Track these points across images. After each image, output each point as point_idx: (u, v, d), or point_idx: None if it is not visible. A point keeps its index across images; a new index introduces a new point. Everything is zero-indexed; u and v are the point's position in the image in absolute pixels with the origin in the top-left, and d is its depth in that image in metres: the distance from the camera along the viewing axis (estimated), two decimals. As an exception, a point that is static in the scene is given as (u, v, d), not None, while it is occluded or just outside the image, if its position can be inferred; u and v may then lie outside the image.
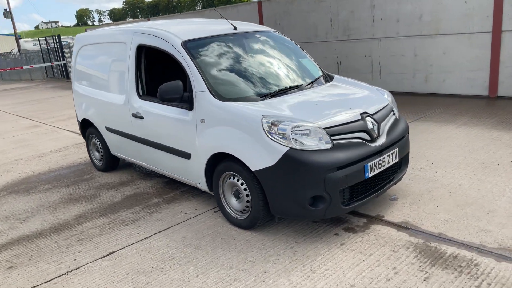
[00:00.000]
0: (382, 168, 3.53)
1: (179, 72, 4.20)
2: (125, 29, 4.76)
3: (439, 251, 3.10)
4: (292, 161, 3.15)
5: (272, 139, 3.22)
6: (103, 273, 3.21)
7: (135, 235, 3.78)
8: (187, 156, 3.96)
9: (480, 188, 4.08)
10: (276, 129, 3.23)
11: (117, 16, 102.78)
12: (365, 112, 3.56)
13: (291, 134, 3.20)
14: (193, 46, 3.99)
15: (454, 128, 6.18)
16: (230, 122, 3.51)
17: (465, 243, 3.18)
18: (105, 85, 5.05)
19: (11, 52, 35.61)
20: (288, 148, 3.17)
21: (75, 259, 3.44)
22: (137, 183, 5.08)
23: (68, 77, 23.00)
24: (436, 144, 5.51)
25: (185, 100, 3.80)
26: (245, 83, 3.90)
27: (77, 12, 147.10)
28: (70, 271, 3.27)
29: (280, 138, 3.21)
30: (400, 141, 3.76)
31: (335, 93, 3.99)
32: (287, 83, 4.07)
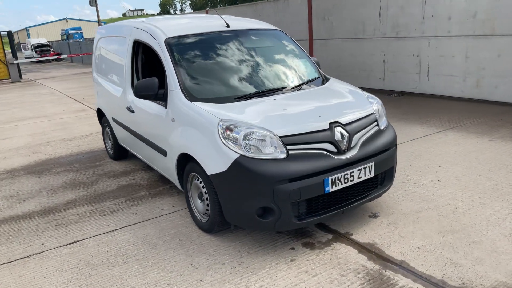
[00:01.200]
0: (350, 183, 3.26)
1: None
2: (127, 23, 4.88)
3: (391, 281, 2.81)
4: (241, 169, 3.02)
5: (225, 144, 3.12)
6: (58, 260, 3.34)
7: (106, 226, 3.89)
8: (164, 153, 3.98)
9: (476, 214, 3.62)
10: (230, 134, 3.12)
11: (198, 5, 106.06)
12: (336, 122, 3.30)
13: (243, 140, 3.06)
14: (176, 43, 3.97)
15: (487, 141, 5.55)
16: (192, 123, 3.45)
17: (424, 276, 2.84)
18: (110, 77, 5.23)
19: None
20: (239, 155, 3.05)
21: (43, 244, 3.63)
22: (136, 174, 5.22)
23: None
24: (455, 159, 4.98)
25: (160, 98, 3.80)
26: (221, 83, 3.80)
27: (161, 1, 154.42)
28: (32, 255, 3.45)
29: (233, 144, 3.09)
30: (379, 155, 3.45)
31: (315, 99, 3.74)
32: (268, 85, 3.90)
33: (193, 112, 3.47)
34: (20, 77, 19.80)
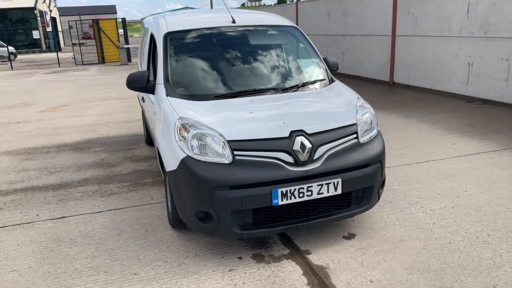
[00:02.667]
0: (306, 198, 2.99)
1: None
2: (154, 16, 5.06)
3: (313, 313, 2.53)
4: (186, 170, 2.97)
5: (177, 143, 3.08)
6: (38, 232, 3.66)
7: (96, 207, 4.14)
8: (155, 142, 4.09)
9: (469, 255, 3.05)
10: (183, 133, 3.07)
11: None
12: (300, 131, 3.04)
13: (191, 141, 3.00)
14: (173, 38, 4.00)
15: (549, 168, 4.61)
16: (163, 118, 3.47)
17: (355, 315, 2.50)
18: (141, 66, 5.51)
19: None
20: (186, 155, 2.99)
21: (37, 215, 4.02)
22: (155, 161, 5.45)
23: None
24: (491, 185, 4.24)
25: (149, 90, 3.89)
26: (205, 80, 3.75)
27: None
28: (23, 224, 3.84)
29: (183, 143, 3.04)
30: (351, 171, 3.09)
31: (294, 103, 3.48)
32: (256, 85, 3.73)
33: (164, 108, 3.48)
34: (129, 60, 21.87)
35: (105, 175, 5.02)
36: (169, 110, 3.37)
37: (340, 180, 3.05)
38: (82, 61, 22.40)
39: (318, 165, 3.01)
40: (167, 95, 3.57)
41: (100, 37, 21.62)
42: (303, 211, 3.09)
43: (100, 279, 2.94)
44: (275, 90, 3.68)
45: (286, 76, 3.95)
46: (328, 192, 3.04)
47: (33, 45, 38.74)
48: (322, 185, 3.01)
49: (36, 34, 37.54)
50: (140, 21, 22.23)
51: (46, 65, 22.59)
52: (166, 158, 3.25)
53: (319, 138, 3.07)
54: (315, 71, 4.08)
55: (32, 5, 38.40)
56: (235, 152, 2.94)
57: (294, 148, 2.97)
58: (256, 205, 2.92)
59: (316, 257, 3.11)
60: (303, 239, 3.36)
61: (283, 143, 2.98)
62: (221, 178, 2.87)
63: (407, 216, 3.69)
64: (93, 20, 22.96)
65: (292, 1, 17.64)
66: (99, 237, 3.55)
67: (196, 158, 2.96)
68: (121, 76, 15.59)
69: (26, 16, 38.94)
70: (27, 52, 36.83)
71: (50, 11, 44.85)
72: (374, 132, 3.38)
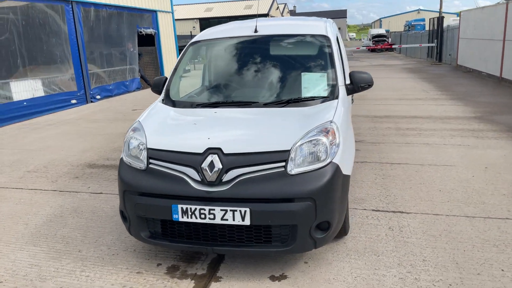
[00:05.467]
0: (208, 221, 2.80)
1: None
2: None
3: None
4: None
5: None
6: (73, 200, 4.53)
7: (85, 188, 4.89)
8: None
9: None
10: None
11: None
12: (217, 149, 2.85)
13: (125, 143, 3.22)
14: (196, 48, 4.19)
15: None
16: (145, 120, 3.75)
17: None
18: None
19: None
20: (122, 156, 3.24)
21: (89, 187, 4.93)
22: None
23: (439, 59, 22.67)
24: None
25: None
26: (196, 88, 3.83)
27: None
28: (71, 192, 4.79)
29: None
30: (264, 203, 2.72)
31: (251, 121, 3.23)
32: (239, 97, 3.63)
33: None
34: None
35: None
36: (146, 113, 3.65)
37: (248, 210, 2.72)
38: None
39: (225, 188, 2.77)
40: (161, 100, 3.83)
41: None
42: (211, 235, 2.90)
43: (25, 265, 3.52)
44: (257, 104, 3.48)
45: (275, 90, 3.64)
46: (234, 220, 2.76)
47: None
48: (226, 211, 2.76)
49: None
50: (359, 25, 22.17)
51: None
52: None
53: (234, 159, 2.81)
54: (316, 87, 3.60)
55: (266, 12, 43.63)
56: (150, 160, 3.00)
57: (202, 166, 2.82)
58: (158, 215, 2.92)
59: (220, 285, 2.88)
60: (229, 266, 3.12)
61: (195, 159, 2.86)
62: (131, 183, 2.99)
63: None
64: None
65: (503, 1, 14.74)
66: (60, 217, 4.10)
67: (124, 159, 3.17)
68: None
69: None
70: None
71: (282, 16, 49.95)
72: (319, 165, 2.82)
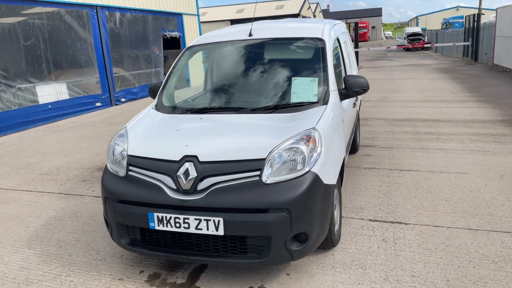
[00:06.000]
0: (183, 230, 2.76)
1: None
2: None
3: None
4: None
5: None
6: (75, 203, 4.62)
7: (90, 191, 4.95)
8: None
9: None
10: (116, 141, 3.33)
11: None
12: (193, 157, 2.81)
13: (109, 150, 3.23)
14: (191, 52, 4.18)
15: None
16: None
17: None
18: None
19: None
20: (107, 162, 3.25)
21: (93, 190, 5.02)
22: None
23: (474, 58, 21.70)
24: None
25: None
26: (188, 94, 3.80)
27: None
28: (76, 195, 4.89)
29: (111, 151, 3.31)
30: (237, 213, 2.66)
31: (233, 127, 3.14)
32: (228, 103, 3.57)
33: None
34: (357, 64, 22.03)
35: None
36: (135, 119, 3.66)
37: (222, 219, 2.67)
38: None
39: (199, 197, 2.73)
40: (154, 106, 3.83)
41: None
42: (187, 244, 2.86)
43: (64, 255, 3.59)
44: (245, 110, 3.41)
45: (264, 95, 3.55)
46: (208, 230, 2.71)
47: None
48: (200, 220, 2.71)
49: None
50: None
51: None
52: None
53: (208, 168, 2.75)
54: (305, 92, 3.47)
55: (297, 12, 43.32)
56: (130, 167, 3.00)
57: (177, 174, 2.79)
58: (135, 223, 2.91)
59: (198, 295, 2.84)
60: (209, 276, 3.06)
61: (171, 167, 2.83)
62: (111, 190, 3.00)
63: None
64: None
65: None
66: (55, 218, 4.23)
67: (108, 166, 3.18)
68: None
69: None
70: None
71: (314, 16, 49.45)
72: (296, 174, 2.71)
